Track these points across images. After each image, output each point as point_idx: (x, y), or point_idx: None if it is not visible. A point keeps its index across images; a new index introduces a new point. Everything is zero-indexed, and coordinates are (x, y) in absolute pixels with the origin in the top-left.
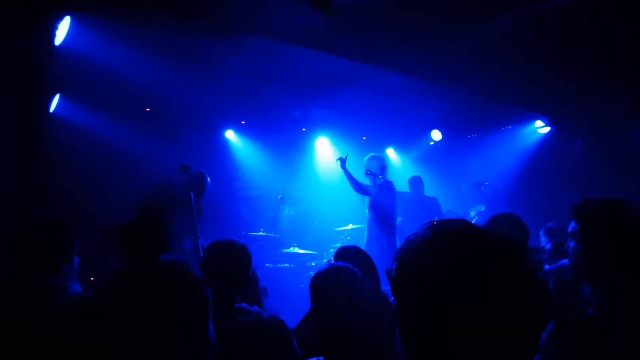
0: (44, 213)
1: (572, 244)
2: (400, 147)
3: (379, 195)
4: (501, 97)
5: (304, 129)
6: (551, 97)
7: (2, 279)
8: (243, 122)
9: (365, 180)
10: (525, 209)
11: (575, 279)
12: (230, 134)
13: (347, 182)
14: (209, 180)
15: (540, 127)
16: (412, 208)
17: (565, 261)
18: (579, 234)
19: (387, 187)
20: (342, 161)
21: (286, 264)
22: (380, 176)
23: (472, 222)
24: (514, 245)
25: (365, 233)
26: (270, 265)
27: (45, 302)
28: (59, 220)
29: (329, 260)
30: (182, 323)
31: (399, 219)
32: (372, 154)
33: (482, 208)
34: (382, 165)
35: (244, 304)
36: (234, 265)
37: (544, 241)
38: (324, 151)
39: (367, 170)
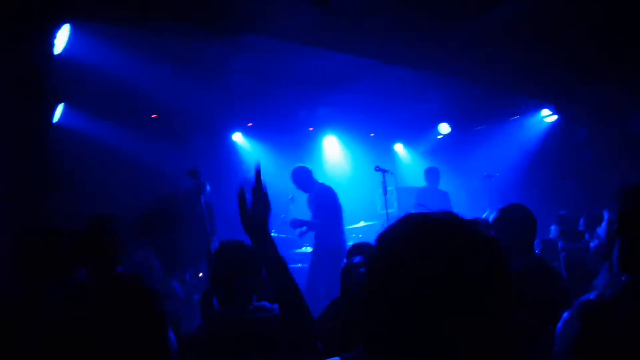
0: (53, 223)
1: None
2: (408, 142)
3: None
4: (507, 87)
5: (310, 129)
6: (557, 84)
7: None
8: (250, 124)
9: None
10: (537, 198)
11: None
12: (237, 137)
13: (356, 181)
14: (209, 188)
15: (547, 116)
16: (425, 201)
17: (580, 245)
18: (626, 221)
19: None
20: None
21: (299, 264)
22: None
23: (484, 216)
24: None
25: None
26: None
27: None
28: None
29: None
30: (137, 334)
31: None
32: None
33: None
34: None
35: (265, 302)
36: (246, 264)
37: (554, 229)
38: (332, 150)
39: (376, 167)
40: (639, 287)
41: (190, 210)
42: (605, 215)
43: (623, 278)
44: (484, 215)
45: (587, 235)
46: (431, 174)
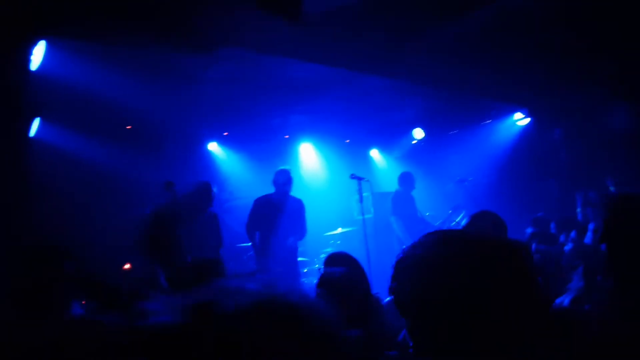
0: (30, 238)
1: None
2: (384, 148)
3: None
4: (480, 92)
5: (286, 136)
6: (529, 88)
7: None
8: (225, 134)
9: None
10: (510, 201)
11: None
12: (213, 146)
13: (333, 187)
14: (215, 190)
15: (520, 120)
16: (400, 205)
17: (554, 248)
18: (610, 230)
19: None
20: None
21: None
22: None
23: (458, 220)
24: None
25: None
26: None
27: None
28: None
29: (319, 268)
30: None
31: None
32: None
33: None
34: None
35: None
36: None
37: (530, 232)
38: (308, 157)
39: (351, 175)
40: (624, 291)
41: (193, 221)
42: (591, 225)
43: (607, 283)
44: (457, 219)
45: (561, 237)
46: (404, 179)
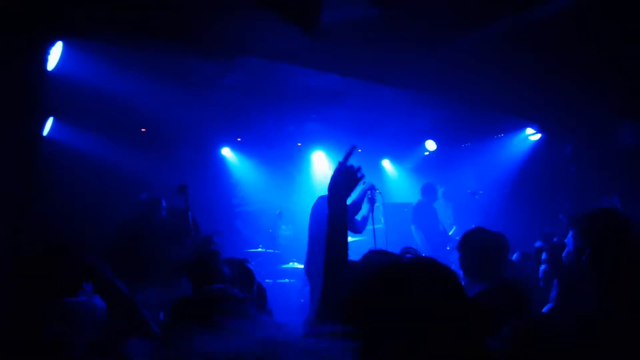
0: (44, 236)
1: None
2: (396, 158)
3: None
4: (492, 106)
5: (299, 144)
6: (540, 104)
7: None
8: (239, 139)
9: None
10: (520, 214)
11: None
12: (226, 151)
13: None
14: (163, 203)
15: (532, 135)
16: (421, 215)
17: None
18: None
19: None
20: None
21: (286, 279)
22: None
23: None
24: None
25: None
26: (270, 281)
27: (81, 322)
28: (69, 240)
29: None
30: None
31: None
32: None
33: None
34: None
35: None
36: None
37: (537, 246)
38: (320, 165)
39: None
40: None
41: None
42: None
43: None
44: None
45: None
46: (427, 190)
